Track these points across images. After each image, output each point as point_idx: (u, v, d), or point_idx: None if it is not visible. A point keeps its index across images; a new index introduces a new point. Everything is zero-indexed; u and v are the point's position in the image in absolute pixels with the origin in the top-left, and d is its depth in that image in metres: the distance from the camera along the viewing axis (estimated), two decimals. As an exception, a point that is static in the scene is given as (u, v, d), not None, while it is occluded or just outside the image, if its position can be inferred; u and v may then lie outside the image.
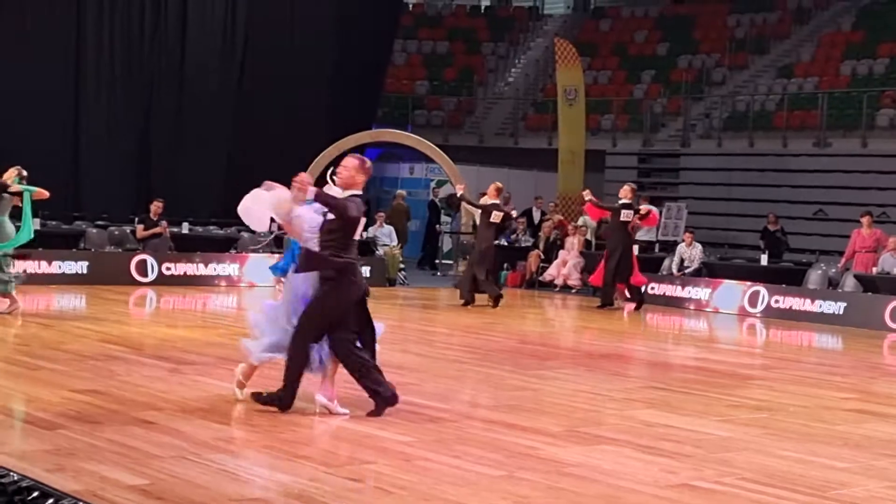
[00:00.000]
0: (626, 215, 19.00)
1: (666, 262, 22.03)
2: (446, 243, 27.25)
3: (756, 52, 30.64)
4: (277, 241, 18.47)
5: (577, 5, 37.07)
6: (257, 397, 8.48)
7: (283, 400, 8.38)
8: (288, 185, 8.73)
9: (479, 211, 19.26)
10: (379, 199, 27.36)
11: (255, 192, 8.91)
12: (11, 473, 6.08)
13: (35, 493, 5.84)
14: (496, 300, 18.41)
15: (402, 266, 22.74)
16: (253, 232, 22.09)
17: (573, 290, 22.38)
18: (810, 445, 8.38)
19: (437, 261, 26.86)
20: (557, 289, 22.62)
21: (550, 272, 22.83)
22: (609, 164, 28.76)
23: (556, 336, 16.55)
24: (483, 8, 37.36)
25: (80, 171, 23.67)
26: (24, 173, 14.05)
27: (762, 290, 19.64)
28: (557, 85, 27.72)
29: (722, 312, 19.80)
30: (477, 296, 18.73)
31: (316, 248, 8.48)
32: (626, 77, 31.55)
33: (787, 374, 12.46)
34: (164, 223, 20.15)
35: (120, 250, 20.06)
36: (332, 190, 8.82)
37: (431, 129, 30.07)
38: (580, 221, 24.47)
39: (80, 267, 18.72)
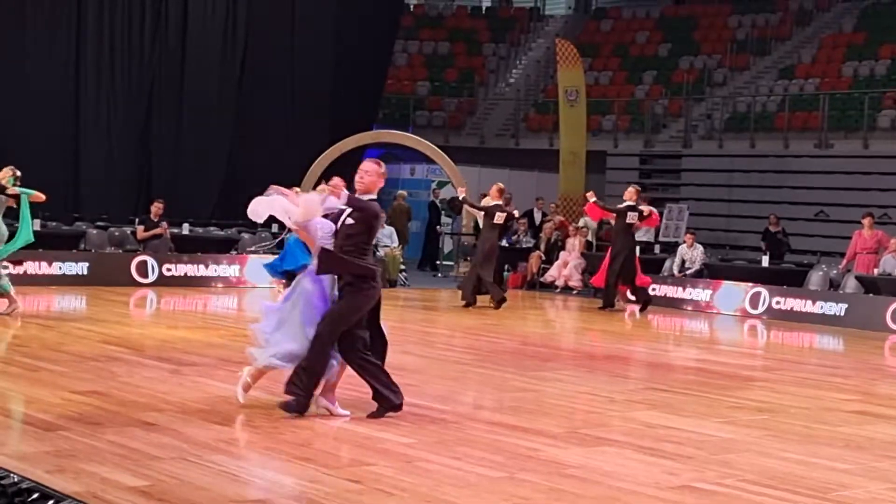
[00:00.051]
0: (631, 217, 18.98)
1: (667, 264, 22.03)
2: (447, 244, 27.24)
3: (757, 54, 30.64)
4: (281, 245, 18.45)
5: (578, 6, 37.08)
6: (287, 407, 8.33)
7: (305, 407, 8.35)
8: (289, 186, 8.72)
9: (482, 213, 19.25)
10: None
11: (272, 197, 8.79)
12: (12, 475, 6.07)
13: (35, 495, 5.83)
14: (499, 303, 18.39)
15: (402, 267, 22.74)
16: (254, 232, 22.17)
17: (574, 292, 22.37)
18: (812, 447, 8.37)
19: (437, 262, 26.85)
20: (558, 290, 22.61)
21: (551, 273, 22.82)
22: (610, 165, 28.76)
23: (557, 337, 16.54)
24: (484, 9, 37.37)
25: (81, 172, 23.65)
26: (18, 173, 14.05)
27: (763, 291, 19.62)
28: (558, 86, 27.71)
29: (723, 313, 19.79)
30: (479, 297, 18.72)
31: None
32: (627, 78, 31.54)
33: (789, 376, 12.45)
34: (164, 224, 20.15)
35: (120, 251, 20.06)
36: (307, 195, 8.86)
37: (432, 130, 30.07)
38: (581, 222, 24.46)
39: (81, 268, 18.71)
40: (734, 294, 20.00)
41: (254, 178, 21.90)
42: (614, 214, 19.21)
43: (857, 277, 19.40)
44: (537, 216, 26.09)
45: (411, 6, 34.97)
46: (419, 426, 8.30)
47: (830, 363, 14.64)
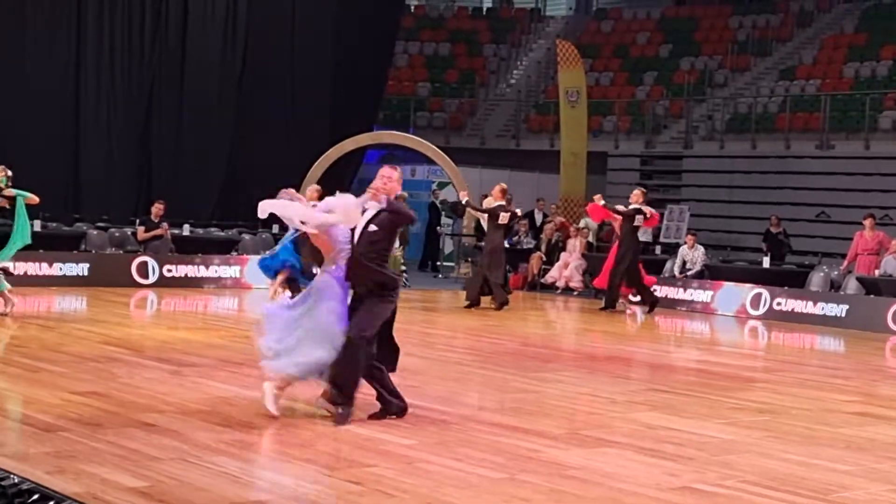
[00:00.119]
0: (638, 220, 18.96)
1: (668, 265, 22.00)
2: (448, 245, 27.23)
3: (758, 54, 30.63)
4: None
5: (579, 7, 37.08)
6: (339, 421, 8.24)
7: (351, 415, 8.32)
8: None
9: (486, 215, 19.21)
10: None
11: (285, 202, 8.73)
12: (11, 476, 6.06)
13: (35, 496, 5.82)
14: (500, 305, 18.37)
15: (403, 268, 22.70)
16: (254, 233, 22.15)
17: (575, 293, 22.35)
18: (813, 448, 8.35)
19: (438, 263, 26.84)
20: (559, 291, 22.59)
21: (552, 274, 22.80)
22: (611, 167, 28.75)
23: (558, 338, 16.53)
24: (485, 9, 37.38)
25: (81, 172, 23.67)
26: (10, 173, 14.03)
27: (764, 292, 19.61)
28: (559, 86, 27.70)
29: (724, 315, 19.77)
30: (482, 298, 18.72)
31: (343, 259, 8.39)
32: (627, 79, 31.53)
33: (790, 377, 12.44)
34: (164, 225, 20.14)
35: (121, 252, 20.05)
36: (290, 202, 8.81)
37: (433, 131, 30.06)
38: (582, 223, 24.44)
39: (81, 269, 18.70)
40: (735, 295, 19.99)
41: (254, 178, 22.01)
42: (619, 217, 19.06)
43: (858, 279, 19.38)
44: (538, 217, 26.06)
45: (412, 7, 34.98)
46: (420, 427, 8.29)
47: (831, 364, 14.63)
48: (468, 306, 18.54)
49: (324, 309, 8.35)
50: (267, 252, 18.49)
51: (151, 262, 19.34)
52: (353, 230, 8.41)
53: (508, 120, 31.68)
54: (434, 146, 24.98)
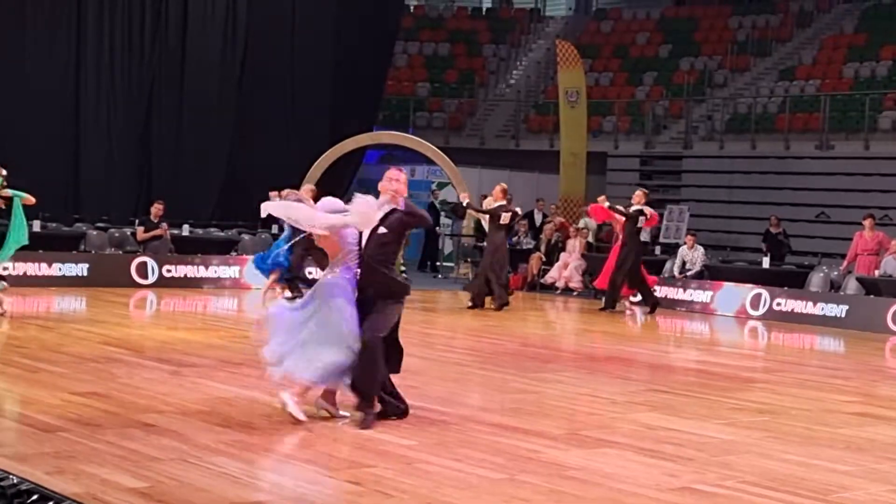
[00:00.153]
0: (640, 221, 18.98)
1: (668, 265, 22.00)
2: (447, 245, 27.22)
3: (758, 55, 30.63)
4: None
5: (579, 7, 37.07)
6: (363, 425, 8.20)
7: (371, 418, 8.30)
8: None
9: (487, 216, 19.19)
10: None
11: (290, 203, 8.68)
12: (11, 476, 6.06)
13: (35, 496, 5.81)
14: (500, 307, 18.37)
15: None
16: (254, 233, 22.15)
17: (575, 293, 22.35)
18: (812, 449, 8.35)
19: (437, 263, 26.84)
20: (559, 291, 22.58)
21: (552, 274, 22.79)
22: (611, 167, 28.76)
23: (557, 339, 16.53)
24: (484, 10, 37.37)
25: (81, 172, 23.65)
26: (4, 172, 14.03)
27: (764, 292, 19.61)
28: (559, 87, 27.70)
29: (723, 315, 19.77)
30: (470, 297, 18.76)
31: (353, 262, 8.35)
32: (627, 79, 31.53)
33: (789, 377, 12.43)
34: (164, 225, 20.14)
35: (120, 252, 20.05)
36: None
37: (432, 131, 30.05)
38: (581, 223, 24.44)
39: (81, 269, 18.70)
40: (735, 295, 19.99)
41: (254, 178, 22.01)
42: (622, 218, 19.00)
43: (857, 279, 19.38)
44: (538, 217, 26.06)
45: (411, 7, 34.96)
46: (419, 428, 8.28)
47: (831, 365, 14.63)
48: (471, 307, 18.51)
49: (334, 310, 8.27)
50: (262, 252, 18.59)
51: (151, 263, 19.34)
52: (360, 232, 8.39)
53: (508, 120, 31.68)
54: (433, 146, 24.95)
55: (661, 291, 20.62)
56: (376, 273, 8.34)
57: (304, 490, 6.47)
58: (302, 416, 8.22)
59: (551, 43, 32.05)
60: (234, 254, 20.96)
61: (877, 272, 19.13)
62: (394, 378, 8.66)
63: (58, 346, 11.58)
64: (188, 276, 19.64)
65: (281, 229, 17.99)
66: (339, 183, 24.55)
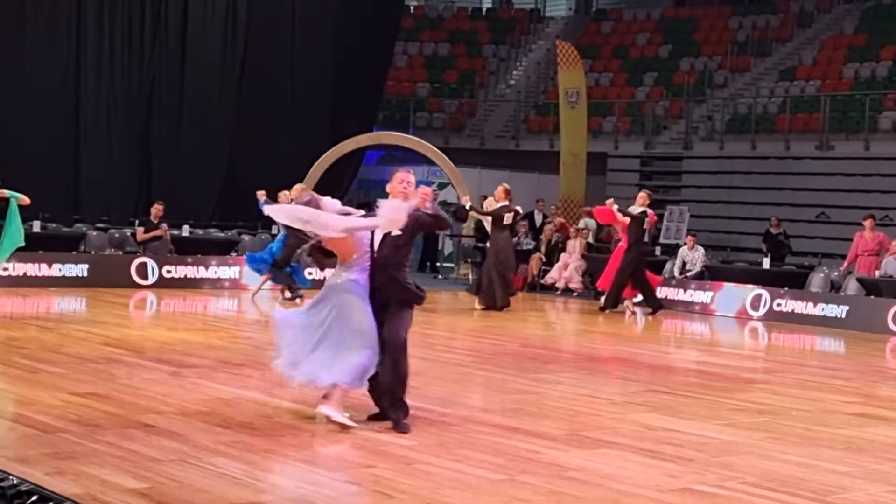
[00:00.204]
0: (647, 223, 18.98)
1: (668, 266, 21.99)
2: (447, 246, 27.22)
3: (758, 55, 30.62)
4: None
5: (579, 7, 37.04)
6: (402, 429, 8.14)
7: (405, 420, 8.27)
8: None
9: (490, 218, 19.16)
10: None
11: (302, 208, 8.60)
12: (11, 477, 6.06)
13: (34, 497, 5.81)
14: (502, 307, 18.34)
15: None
16: (254, 234, 22.14)
17: (575, 294, 22.34)
18: (812, 449, 8.35)
19: (437, 264, 26.83)
20: (559, 292, 22.58)
21: (552, 275, 22.78)
22: (611, 167, 28.74)
23: (557, 339, 16.52)
24: (484, 10, 37.34)
25: (81, 173, 23.65)
26: None
27: (764, 293, 19.60)
28: (559, 87, 27.70)
29: (724, 316, 19.76)
30: (481, 299, 18.74)
31: (367, 263, 8.29)
32: (627, 79, 31.53)
33: (790, 378, 12.43)
34: (164, 226, 20.14)
35: (120, 253, 20.05)
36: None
37: (432, 132, 30.04)
38: (581, 224, 24.43)
39: (81, 270, 18.69)
40: (735, 296, 19.98)
41: (254, 178, 21.98)
42: (627, 220, 18.94)
43: (858, 279, 19.38)
44: (538, 218, 26.03)
45: (411, 7, 34.95)
46: (419, 428, 8.27)
47: (831, 365, 14.62)
48: (485, 309, 18.43)
49: (354, 311, 8.17)
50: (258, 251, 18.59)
51: (151, 263, 19.33)
52: (372, 233, 8.35)
53: (508, 121, 31.67)
54: (433, 147, 24.97)
55: (661, 292, 20.61)
56: (390, 276, 8.30)
57: (304, 491, 6.46)
58: (351, 423, 8.10)
59: (551, 43, 32.04)
60: (233, 254, 20.96)
61: (877, 273, 19.13)
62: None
63: (58, 347, 11.58)
64: (188, 276, 19.62)
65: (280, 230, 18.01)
66: (339, 183, 24.56)
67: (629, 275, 18.83)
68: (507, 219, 18.57)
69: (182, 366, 10.75)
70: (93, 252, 19.72)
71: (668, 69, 31.17)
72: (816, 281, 20.23)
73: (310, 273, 18.81)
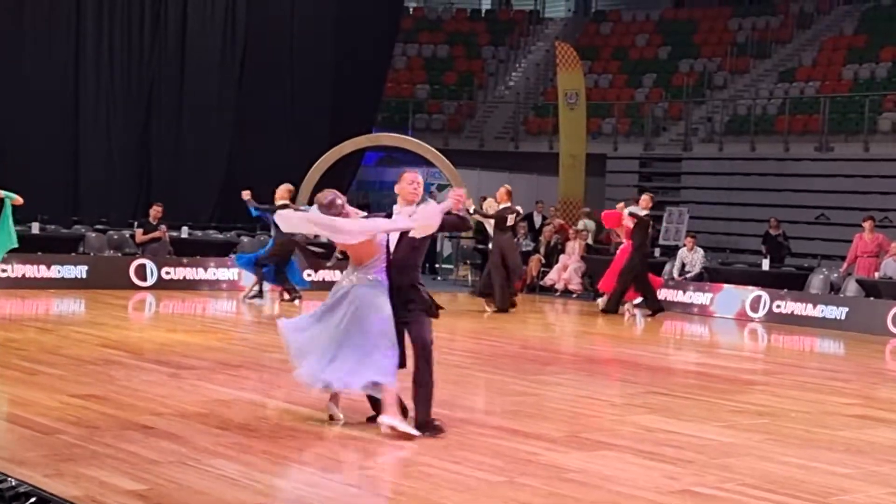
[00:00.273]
0: (652, 225, 19.01)
1: (667, 267, 21.97)
2: (446, 247, 27.21)
3: (758, 56, 30.62)
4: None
5: (578, 9, 37.05)
6: (436, 432, 8.08)
7: (435, 423, 8.20)
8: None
9: (492, 221, 19.15)
10: (379, 204, 27.31)
11: (315, 214, 8.52)
12: (9, 479, 6.05)
13: (33, 499, 5.81)
14: (500, 310, 18.33)
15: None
16: (253, 235, 22.13)
17: (574, 295, 22.33)
18: (812, 451, 8.34)
19: (437, 265, 26.82)
20: (558, 293, 22.57)
21: (551, 277, 22.78)
22: (610, 169, 28.73)
23: (557, 341, 16.51)
24: (483, 11, 37.34)
25: (80, 173, 23.63)
26: None
27: (764, 294, 19.59)
28: (558, 89, 27.70)
29: (723, 317, 19.75)
30: (482, 298, 18.71)
31: (383, 265, 8.23)
32: (627, 81, 31.52)
33: (789, 380, 12.42)
34: (163, 227, 20.13)
35: (119, 254, 20.04)
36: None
37: (432, 133, 30.02)
38: (581, 225, 24.42)
39: (80, 271, 18.68)
40: (734, 297, 19.97)
41: (253, 179, 21.94)
42: (636, 223, 18.85)
43: (857, 281, 19.38)
44: (537, 219, 26.02)
45: (411, 9, 34.94)
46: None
47: (831, 367, 14.62)
48: (497, 311, 18.39)
49: (374, 311, 8.09)
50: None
51: (150, 265, 19.32)
52: (388, 235, 8.31)
53: (507, 122, 31.67)
54: (433, 148, 24.94)
55: (660, 293, 20.59)
56: (411, 282, 8.31)
57: (303, 492, 6.45)
58: (414, 431, 7.94)
59: (550, 45, 32.04)
60: (232, 255, 20.92)
61: (877, 274, 19.13)
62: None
63: (56, 349, 11.57)
64: (187, 278, 19.60)
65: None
66: (338, 185, 24.29)
67: (632, 279, 18.81)
68: (511, 220, 18.58)
69: (181, 367, 10.75)
70: (92, 254, 19.71)
71: (668, 70, 31.17)
72: (816, 282, 20.23)
73: (308, 275, 18.82)
